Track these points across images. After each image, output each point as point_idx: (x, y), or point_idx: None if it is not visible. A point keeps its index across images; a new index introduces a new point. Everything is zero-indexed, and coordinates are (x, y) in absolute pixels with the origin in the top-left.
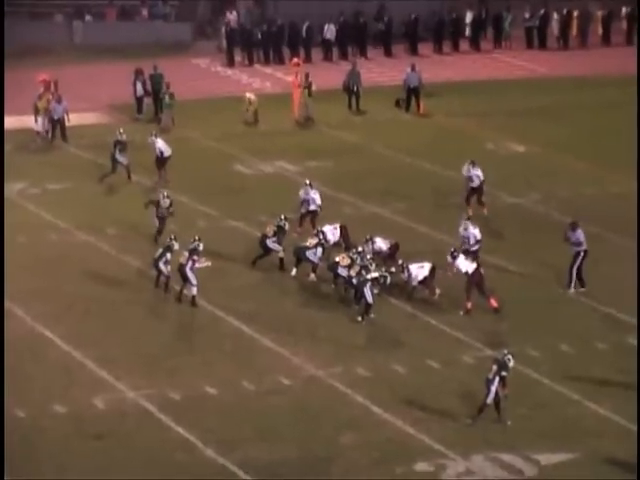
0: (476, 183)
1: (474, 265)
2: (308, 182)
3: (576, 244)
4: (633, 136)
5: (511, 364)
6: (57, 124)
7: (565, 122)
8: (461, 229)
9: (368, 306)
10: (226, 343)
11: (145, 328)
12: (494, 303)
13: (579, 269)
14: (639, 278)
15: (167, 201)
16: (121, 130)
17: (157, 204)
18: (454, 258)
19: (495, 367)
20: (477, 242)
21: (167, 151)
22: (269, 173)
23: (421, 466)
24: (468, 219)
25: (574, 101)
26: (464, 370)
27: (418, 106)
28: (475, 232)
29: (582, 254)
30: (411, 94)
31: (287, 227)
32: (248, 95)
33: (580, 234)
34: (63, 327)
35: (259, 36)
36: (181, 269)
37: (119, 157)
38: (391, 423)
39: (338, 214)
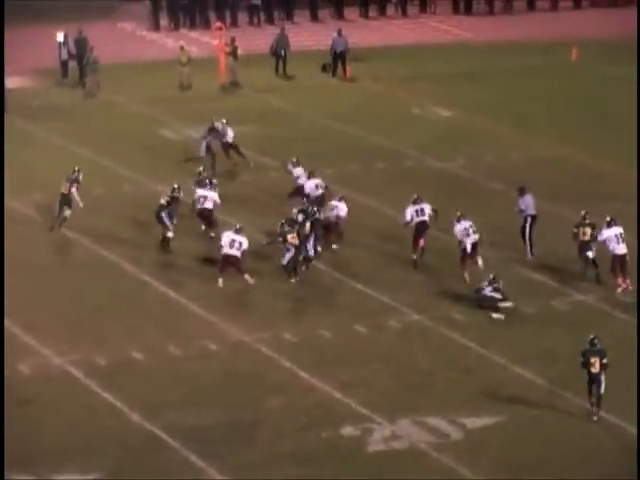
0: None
1: None
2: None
3: (521, 210)
4: (558, 101)
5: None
6: None
7: (490, 87)
8: None
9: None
10: (153, 309)
11: (71, 293)
12: None
13: (530, 234)
14: (639, 269)
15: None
16: None
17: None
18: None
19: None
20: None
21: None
22: (195, 138)
23: (347, 430)
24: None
25: (499, 66)
26: (390, 334)
27: (344, 71)
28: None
29: (528, 219)
30: (337, 59)
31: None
32: (180, 44)
33: (527, 199)
34: None
35: (185, 0)
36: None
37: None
38: (318, 388)
39: (264, 179)
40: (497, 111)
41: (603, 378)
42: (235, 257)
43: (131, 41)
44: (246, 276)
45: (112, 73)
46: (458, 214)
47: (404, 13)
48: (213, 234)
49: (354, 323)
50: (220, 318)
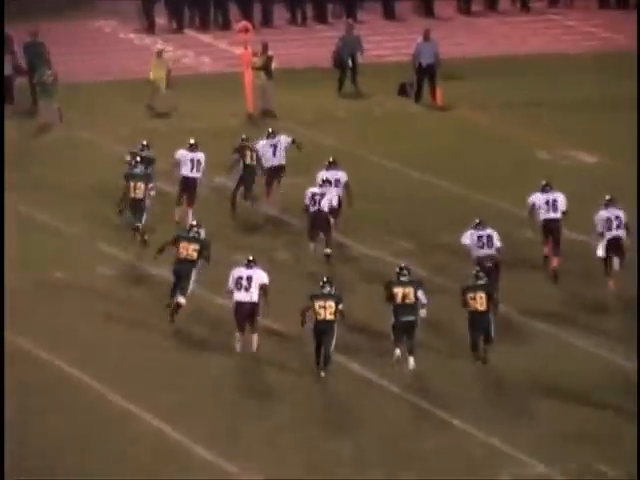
0: None
1: None
2: None
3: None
4: None
5: None
6: None
7: None
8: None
9: None
10: (142, 452)
11: (22, 429)
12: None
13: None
14: (639, 289)
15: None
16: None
17: None
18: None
19: None
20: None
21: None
22: (205, 191)
23: None
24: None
25: None
26: None
27: (434, 93)
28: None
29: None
30: (424, 75)
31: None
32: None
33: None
34: None
35: None
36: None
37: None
38: None
39: (313, 257)
40: None
41: None
42: (250, 304)
43: (112, 47)
44: (254, 339)
45: (82, 95)
46: (607, 197)
47: (525, 7)
48: (329, 250)
49: (448, 476)
50: (241, 467)
